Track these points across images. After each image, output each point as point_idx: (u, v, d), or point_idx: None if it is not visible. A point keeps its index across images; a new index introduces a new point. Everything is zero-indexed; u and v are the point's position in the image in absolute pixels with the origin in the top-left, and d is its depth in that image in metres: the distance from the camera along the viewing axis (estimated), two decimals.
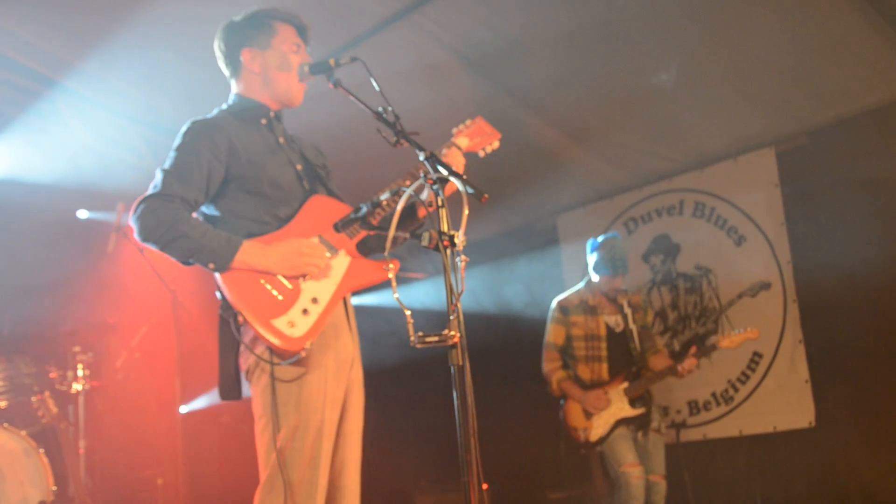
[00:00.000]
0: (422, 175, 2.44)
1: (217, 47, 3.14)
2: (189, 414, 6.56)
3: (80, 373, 5.37)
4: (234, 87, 3.15)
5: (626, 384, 5.37)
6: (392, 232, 2.41)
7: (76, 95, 5.52)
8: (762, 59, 5.47)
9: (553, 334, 5.59)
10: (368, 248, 3.08)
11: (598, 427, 5.31)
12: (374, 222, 2.73)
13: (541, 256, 7.64)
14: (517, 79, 5.65)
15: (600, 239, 5.66)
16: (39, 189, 5.63)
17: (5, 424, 4.59)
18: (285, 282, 2.80)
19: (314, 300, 2.82)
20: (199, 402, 6.49)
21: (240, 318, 2.74)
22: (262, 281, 2.77)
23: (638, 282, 7.01)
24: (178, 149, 2.89)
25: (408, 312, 2.32)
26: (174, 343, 6.33)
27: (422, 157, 2.51)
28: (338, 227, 2.70)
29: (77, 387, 5.36)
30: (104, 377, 6.16)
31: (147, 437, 6.50)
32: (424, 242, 2.36)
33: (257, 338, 2.75)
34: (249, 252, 2.77)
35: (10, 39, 4.99)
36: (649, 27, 5.18)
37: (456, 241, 2.34)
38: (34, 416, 4.83)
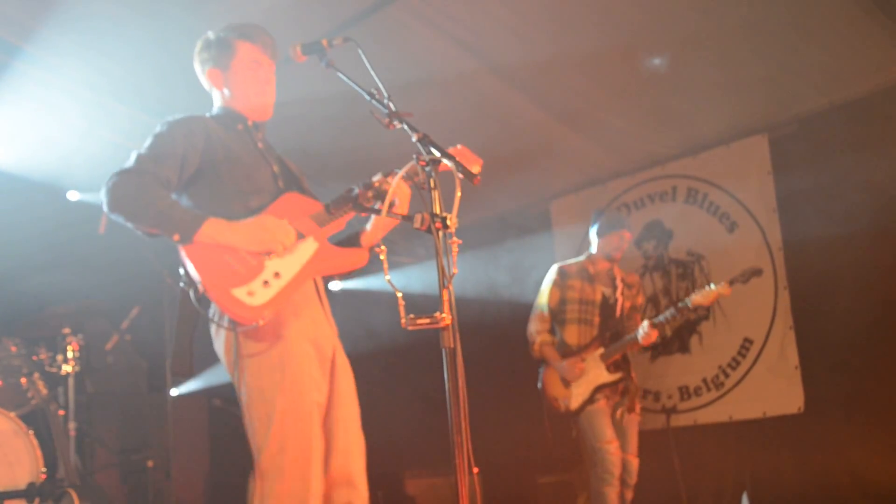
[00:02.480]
0: (414, 156, 2.44)
1: (195, 63, 3.28)
2: (180, 396, 6.56)
3: (69, 354, 5.35)
4: (215, 102, 3.28)
5: (601, 350, 5.42)
6: (385, 210, 2.40)
7: (63, 75, 5.48)
8: (755, 46, 5.46)
9: (548, 296, 5.63)
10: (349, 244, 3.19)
11: (578, 395, 5.38)
12: (367, 204, 2.72)
13: (533, 241, 7.64)
14: (510, 62, 5.62)
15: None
16: (29, 170, 5.60)
17: None
18: (249, 257, 2.84)
19: (276, 275, 2.85)
20: (190, 385, 6.49)
21: (199, 289, 2.77)
22: (226, 256, 2.81)
23: (630, 268, 7.02)
24: (155, 135, 2.97)
25: (399, 294, 2.32)
26: (165, 325, 6.32)
27: (414, 138, 2.50)
28: (328, 208, 2.69)
29: (67, 368, 5.34)
30: (94, 359, 6.15)
31: (137, 419, 6.50)
32: (416, 224, 2.35)
33: (218, 310, 2.81)
34: (215, 225, 2.82)
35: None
36: (643, 12, 5.16)
37: (448, 223, 2.34)
38: (24, 397, 4.81)
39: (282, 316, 2.86)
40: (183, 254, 2.80)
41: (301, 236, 2.98)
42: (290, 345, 2.86)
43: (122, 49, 5.20)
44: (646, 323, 5.28)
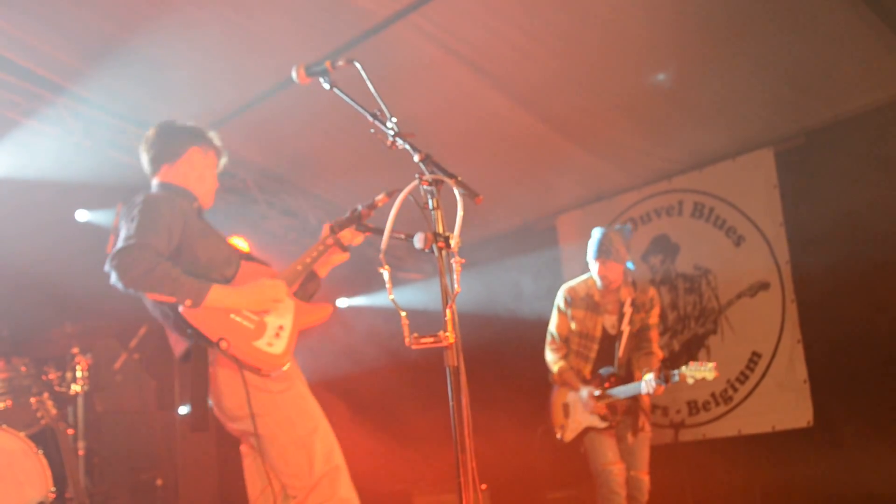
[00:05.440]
0: (417, 176, 2.45)
1: (143, 149, 3.56)
2: (188, 415, 6.56)
3: (78, 374, 5.37)
4: (156, 181, 3.53)
5: (598, 392, 5.27)
6: (388, 233, 2.42)
7: (74, 97, 5.54)
8: (761, 60, 5.47)
9: (558, 324, 5.49)
10: (307, 294, 3.63)
11: (571, 430, 5.34)
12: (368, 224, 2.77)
13: (540, 257, 7.64)
14: (516, 79, 5.65)
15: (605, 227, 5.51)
16: (38, 190, 5.64)
17: (4, 426, 4.58)
18: (252, 315, 3.25)
19: (281, 327, 3.30)
20: None
21: (223, 345, 3.10)
22: (232, 315, 3.19)
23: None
24: (141, 211, 3.22)
25: (403, 314, 2.33)
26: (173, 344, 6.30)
27: (416, 158, 2.50)
28: (333, 228, 2.75)
29: (76, 388, 5.35)
30: (103, 378, 6.16)
31: (146, 438, 6.51)
32: (419, 244, 2.36)
33: (239, 361, 3.16)
34: (220, 290, 3.18)
35: (9, 42, 5.01)
36: (648, 27, 5.18)
37: (451, 242, 2.34)
38: (33, 417, 4.83)
39: None
40: (192, 318, 3.10)
41: None
42: (295, 379, 3.35)
43: (141, 75, 5.28)
44: (651, 377, 5.02)
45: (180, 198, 3.41)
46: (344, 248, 3.57)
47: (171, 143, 3.54)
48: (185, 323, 3.13)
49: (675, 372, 4.99)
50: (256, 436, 3.25)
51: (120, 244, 3.11)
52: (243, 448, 3.51)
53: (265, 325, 3.26)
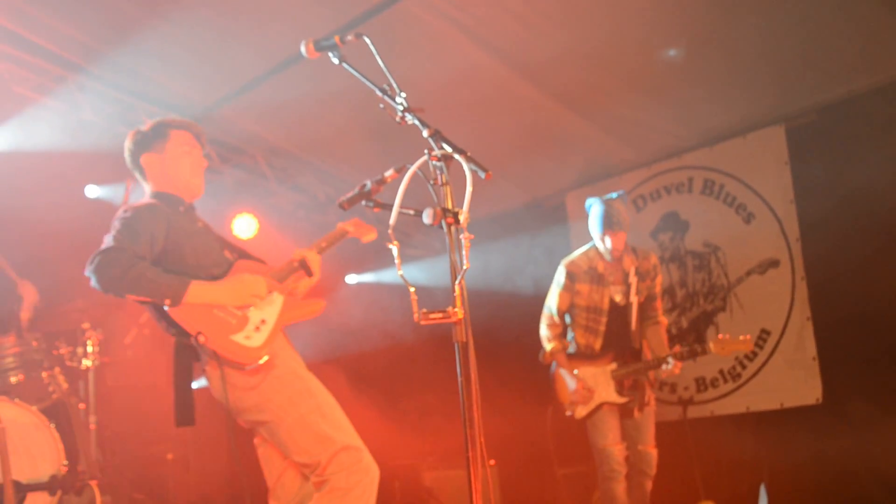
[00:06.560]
0: (426, 152, 2.44)
1: (125, 153, 3.59)
2: (199, 389, 6.60)
3: (89, 349, 5.40)
4: (147, 188, 3.58)
5: (614, 365, 5.29)
6: (397, 208, 2.42)
7: (86, 73, 5.54)
8: (772, 36, 5.43)
9: (557, 300, 5.43)
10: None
11: (583, 407, 5.28)
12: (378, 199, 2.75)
13: (549, 234, 7.63)
14: (526, 55, 5.62)
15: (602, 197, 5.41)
16: (49, 165, 5.65)
17: (17, 399, 4.62)
18: (234, 310, 3.29)
19: (263, 321, 3.33)
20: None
21: (200, 339, 3.13)
22: (215, 311, 3.23)
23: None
24: (122, 220, 3.26)
25: (412, 289, 2.34)
26: None
27: (426, 133, 2.49)
28: (342, 204, 2.74)
29: (87, 363, 5.39)
30: (114, 353, 6.19)
31: (157, 412, 6.54)
32: (427, 220, 2.36)
33: (218, 355, 3.18)
34: (200, 286, 3.20)
35: (19, 17, 5.01)
36: (659, 3, 5.15)
37: (460, 218, 2.34)
38: (45, 391, 4.87)
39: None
40: (174, 315, 3.14)
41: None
42: (280, 363, 3.33)
43: (150, 51, 5.28)
44: (671, 359, 5.06)
45: (164, 203, 3.44)
46: (310, 273, 3.60)
47: (131, 162, 3.58)
48: (170, 320, 3.17)
49: (703, 348, 5.01)
50: (264, 422, 3.29)
51: (100, 248, 3.16)
52: (256, 440, 3.52)
53: (247, 319, 3.30)
